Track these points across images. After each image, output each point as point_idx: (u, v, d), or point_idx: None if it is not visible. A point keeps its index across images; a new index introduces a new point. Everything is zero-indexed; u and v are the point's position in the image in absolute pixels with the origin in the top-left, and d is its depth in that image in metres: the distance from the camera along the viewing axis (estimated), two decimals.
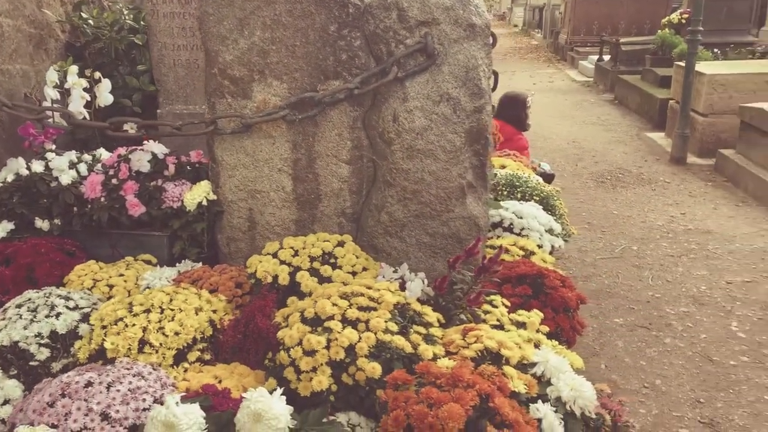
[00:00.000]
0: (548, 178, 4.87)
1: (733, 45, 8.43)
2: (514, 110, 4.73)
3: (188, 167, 2.49)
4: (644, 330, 2.98)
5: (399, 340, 1.73)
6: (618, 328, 3.00)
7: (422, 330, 1.83)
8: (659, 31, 9.50)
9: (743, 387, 2.54)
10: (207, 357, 1.90)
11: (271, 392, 1.56)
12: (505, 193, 3.11)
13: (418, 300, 2.08)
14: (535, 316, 2.16)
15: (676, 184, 5.36)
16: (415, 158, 2.19)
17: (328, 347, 1.70)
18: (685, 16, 10.01)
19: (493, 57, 2.21)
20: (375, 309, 1.83)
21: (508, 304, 2.23)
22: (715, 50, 7.94)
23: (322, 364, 1.68)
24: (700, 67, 6.31)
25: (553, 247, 2.82)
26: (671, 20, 10.21)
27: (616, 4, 14.28)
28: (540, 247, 2.77)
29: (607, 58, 11.19)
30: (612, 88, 10.03)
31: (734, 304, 3.20)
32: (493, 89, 2.59)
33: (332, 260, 2.17)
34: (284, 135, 2.25)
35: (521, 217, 2.82)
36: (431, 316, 1.91)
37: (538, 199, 3.08)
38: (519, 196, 3.09)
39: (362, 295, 1.87)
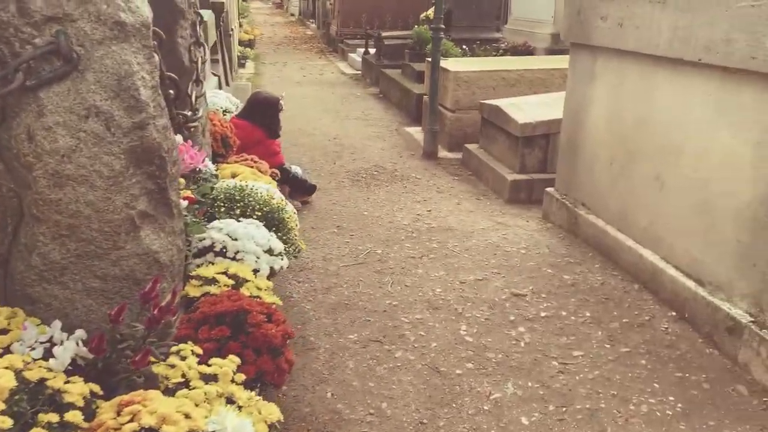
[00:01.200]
0: (303, 186, 4.65)
1: (479, 42, 9.00)
2: (263, 115, 4.43)
3: None
4: (377, 345, 2.86)
5: None
6: (351, 345, 2.85)
7: (54, 418, 1.43)
8: (416, 26, 9.84)
9: (466, 399, 2.50)
10: None
11: None
12: (223, 209, 2.77)
13: (73, 367, 1.67)
14: (229, 364, 1.86)
15: (426, 180, 5.48)
16: (66, 186, 1.75)
17: None
18: None
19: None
20: None
21: (200, 351, 1.91)
22: (464, 47, 8.40)
23: None
24: (447, 64, 6.56)
25: (272, 269, 2.56)
26: (428, 15, 10.67)
27: None
28: (257, 271, 2.49)
29: (373, 51, 11.43)
30: (377, 81, 10.22)
31: (465, 306, 3.23)
32: (175, 99, 2.24)
33: None
34: None
35: (236, 239, 2.52)
36: (74, 393, 1.51)
37: (260, 214, 2.80)
38: (239, 212, 2.78)
39: None
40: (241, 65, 11.73)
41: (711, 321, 2.91)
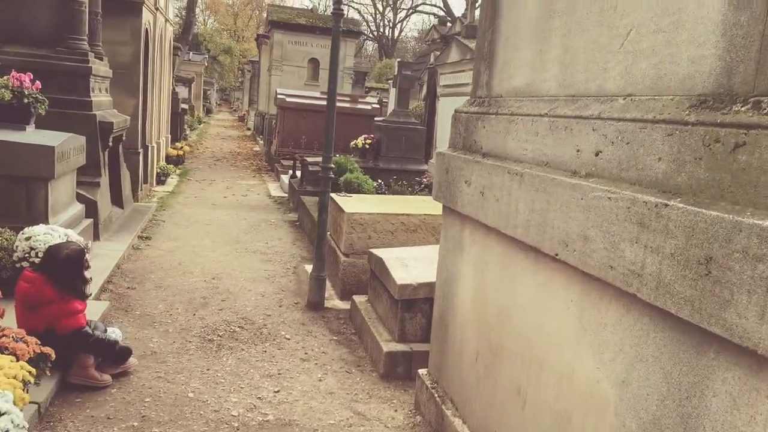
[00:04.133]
0: (112, 351, 3.73)
1: (401, 174, 8.50)
2: (61, 274, 3.57)
3: None
4: None
5: None
6: None
7: None
8: (337, 155, 9.36)
9: None
10: None
11: None
12: None
13: None
14: None
15: (296, 340, 4.63)
16: None
17: None
18: (369, 141, 10.15)
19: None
20: None
21: None
22: (380, 180, 7.88)
23: None
24: (344, 203, 5.95)
25: None
26: (356, 144, 10.27)
27: (323, 120, 14.40)
28: None
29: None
30: (298, 208, 9.60)
31: None
32: None
33: None
34: None
35: None
36: None
37: None
38: None
39: None
40: (161, 182, 11.08)
41: None
